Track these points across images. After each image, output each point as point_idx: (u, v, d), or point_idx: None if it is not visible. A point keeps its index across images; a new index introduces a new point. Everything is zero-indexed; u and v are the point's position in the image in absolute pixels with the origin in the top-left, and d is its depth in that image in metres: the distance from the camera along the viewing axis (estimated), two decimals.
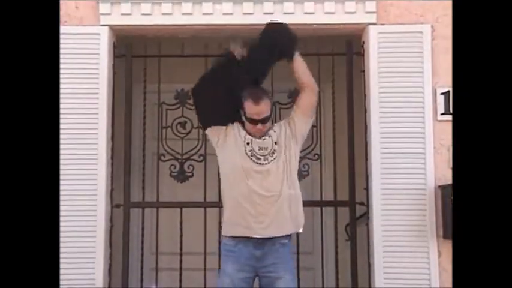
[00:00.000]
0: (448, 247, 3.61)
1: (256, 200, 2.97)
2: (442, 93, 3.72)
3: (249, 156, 3.02)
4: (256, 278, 3.05)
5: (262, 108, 3.01)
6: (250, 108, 3.02)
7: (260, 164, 3.01)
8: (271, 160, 3.02)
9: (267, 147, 3.04)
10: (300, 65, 3.16)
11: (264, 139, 3.06)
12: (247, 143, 3.04)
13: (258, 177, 2.99)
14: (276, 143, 3.04)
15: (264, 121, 3.03)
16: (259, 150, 3.03)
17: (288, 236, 3.07)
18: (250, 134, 3.08)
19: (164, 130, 3.95)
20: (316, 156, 3.86)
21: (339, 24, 3.84)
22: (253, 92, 3.05)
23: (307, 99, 3.16)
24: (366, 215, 3.80)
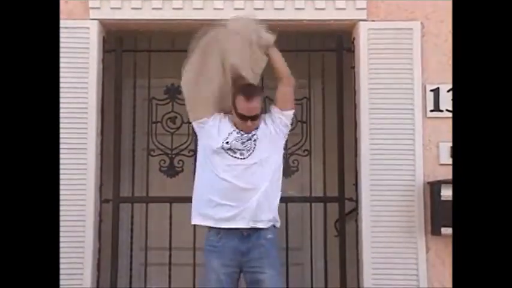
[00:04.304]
0: (436, 243, 3.64)
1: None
2: (431, 90, 3.73)
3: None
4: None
5: (254, 105, 3.03)
6: (242, 104, 3.03)
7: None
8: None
9: (243, 143, 3.04)
10: (277, 55, 3.18)
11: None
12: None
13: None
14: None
15: (254, 118, 3.04)
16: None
17: (273, 231, 3.08)
18: (237, 128, 3.08)
19: (154, 125, 3.94)
20: (306, 152, 3.87)
21: (330, 20, 3.84)
22: (245, 88, 3.07)
23: (285, 91, 3.17)
24: (355, 211, 3.81)
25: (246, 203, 2.97)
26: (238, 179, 2.99)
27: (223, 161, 3.02)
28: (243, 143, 3.05)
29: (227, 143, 3.03)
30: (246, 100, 3.02)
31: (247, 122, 3.04)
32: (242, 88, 3.07)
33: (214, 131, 3.08)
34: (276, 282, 2.98)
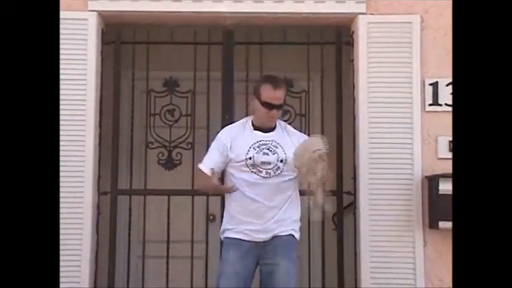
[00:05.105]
0: (433, 237, 3.65)
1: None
2: (430, 84, 3.73)
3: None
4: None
5: (280, 94, 3.01)
6: (269, 92, 2.99)
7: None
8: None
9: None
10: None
11: (267, 153, 3.00)
12: (250, 158, 2.99)
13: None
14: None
15: (279, 107, 3.03)
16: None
17: (297, 232, 3.06)
18: (256, 128, 3.05)
19: (152, 117, 3.94)
20: None
21: (329, 13, 3.83)
22: (272, 78, 3.09)
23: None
24: (353, 204, 3.82)
25: (268, 220, 2.97)
26: (264, 198, 2.97)
27: (249, 179, 2.98)
28: (265, 154, 3.00)
29: (250, 158, 2.99)
30: (273, 88, 3.00)
31: (271, 111, 3.00)
32: (268, 78, 3.09)
33: (233, 146, 3.04)
34: (289, 274, 2.94)
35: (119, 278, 3.89)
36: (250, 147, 3.01)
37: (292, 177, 3.03)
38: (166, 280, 3.79)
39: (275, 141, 3.04)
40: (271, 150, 3.02)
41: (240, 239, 2.99)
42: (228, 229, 3.05)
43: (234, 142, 3.04)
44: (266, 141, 3.04)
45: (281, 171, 2.99)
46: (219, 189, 3.12)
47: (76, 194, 3.65)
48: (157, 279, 4.03)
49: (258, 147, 3.01)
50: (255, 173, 2.98)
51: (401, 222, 3.66)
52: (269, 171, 2.99)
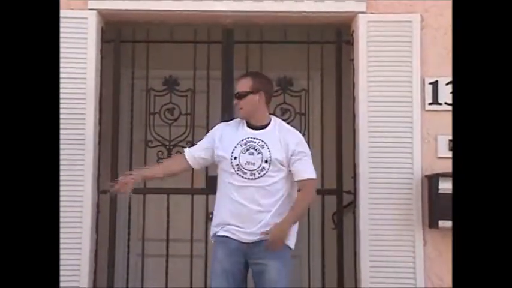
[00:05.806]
0: (433, 236, 3.65)
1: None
2: (430, 83, 3.73)
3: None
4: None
5: (239, 83, 3.11)
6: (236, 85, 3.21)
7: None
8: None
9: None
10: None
11: (253, 153, 2.99)
12: (235, 157, 2.98)
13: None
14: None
15: (237, 96, 3.08)
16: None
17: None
18: (250, 125, 3.07)
19: (152, 116, 3.94)
20: None
21: (329, 12, 3.83)
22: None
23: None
24: (353, 204, 3.81)
25: (256, 225, 2.95)
26: (251, 201, 2.95)
27: (235, 182, 2.97)
28: (250, 153, 2.98)
29: (235, 158, 2.98)
30: (236, 80, 3.21)
31: (235, 100, 3.10)
32: None
33: (222, 140, 3.07)
34: (279, 274, 2.93)
35: (118, 277, 3.89)
36: (237, 144, 3.01)
37: (282, 177, 2.99)
38: (166, 279, 3.79)
39: (262, 140, 3.01)
40: (256, 150, 2.99)
41: (227, 237, 2.98)
42: (217, 230, 3.04)
43: (225, 137, 3.06)
44: (253, 138, 3.02)
45: (266, 172, 2.96)
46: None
47: (76, 193, 3.65)
48: (156, 278, 4.03)
49: (245, 144, 3.01)
50: (240, 175, 2.96)
51: (401, 221, 3.66)
52: (253, 172, 2.96)
